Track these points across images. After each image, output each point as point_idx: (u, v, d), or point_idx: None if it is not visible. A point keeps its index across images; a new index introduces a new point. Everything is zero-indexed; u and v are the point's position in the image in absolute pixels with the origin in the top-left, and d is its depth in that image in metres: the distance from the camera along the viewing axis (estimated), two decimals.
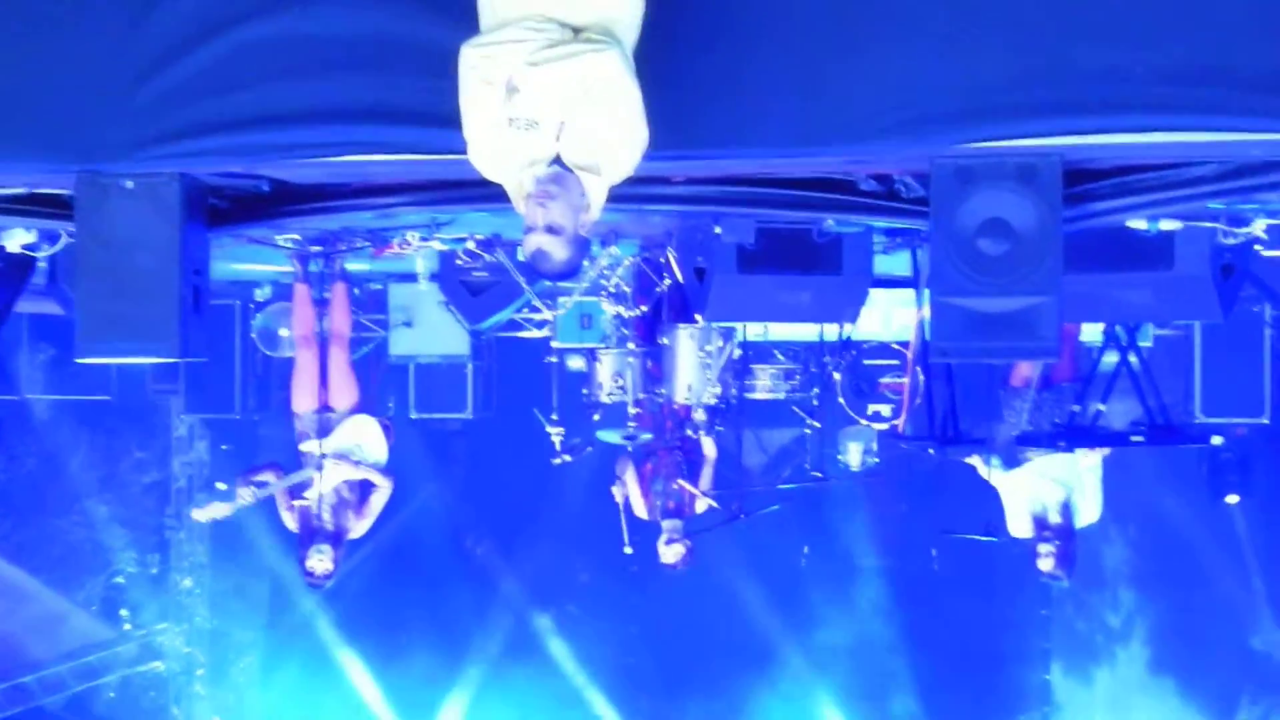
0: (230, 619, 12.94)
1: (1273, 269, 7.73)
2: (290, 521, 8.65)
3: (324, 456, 8.52)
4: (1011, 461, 8.67)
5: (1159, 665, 12.37)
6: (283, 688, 12.87)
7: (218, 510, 8.59)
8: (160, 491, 12.77)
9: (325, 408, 8.74)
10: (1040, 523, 8.57)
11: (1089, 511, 8.71)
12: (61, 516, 12.61)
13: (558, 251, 4.33)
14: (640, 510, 9.33)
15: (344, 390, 8.81)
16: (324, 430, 8.62)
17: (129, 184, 5.00)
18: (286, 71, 4.80)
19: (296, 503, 8.57)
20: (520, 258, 7.77)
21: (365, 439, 8.77)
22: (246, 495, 8.48)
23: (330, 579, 8.61)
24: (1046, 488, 8.58)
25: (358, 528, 8.70)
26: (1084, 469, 8.59)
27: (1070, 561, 8.60)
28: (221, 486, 9.10)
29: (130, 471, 12.77)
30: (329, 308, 8.89)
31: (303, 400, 8.80)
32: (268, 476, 8.58)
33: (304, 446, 8.68)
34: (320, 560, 8.49)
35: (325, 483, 8.54)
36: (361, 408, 8.88)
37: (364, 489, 8.71)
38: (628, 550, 9.22)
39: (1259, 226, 6.08)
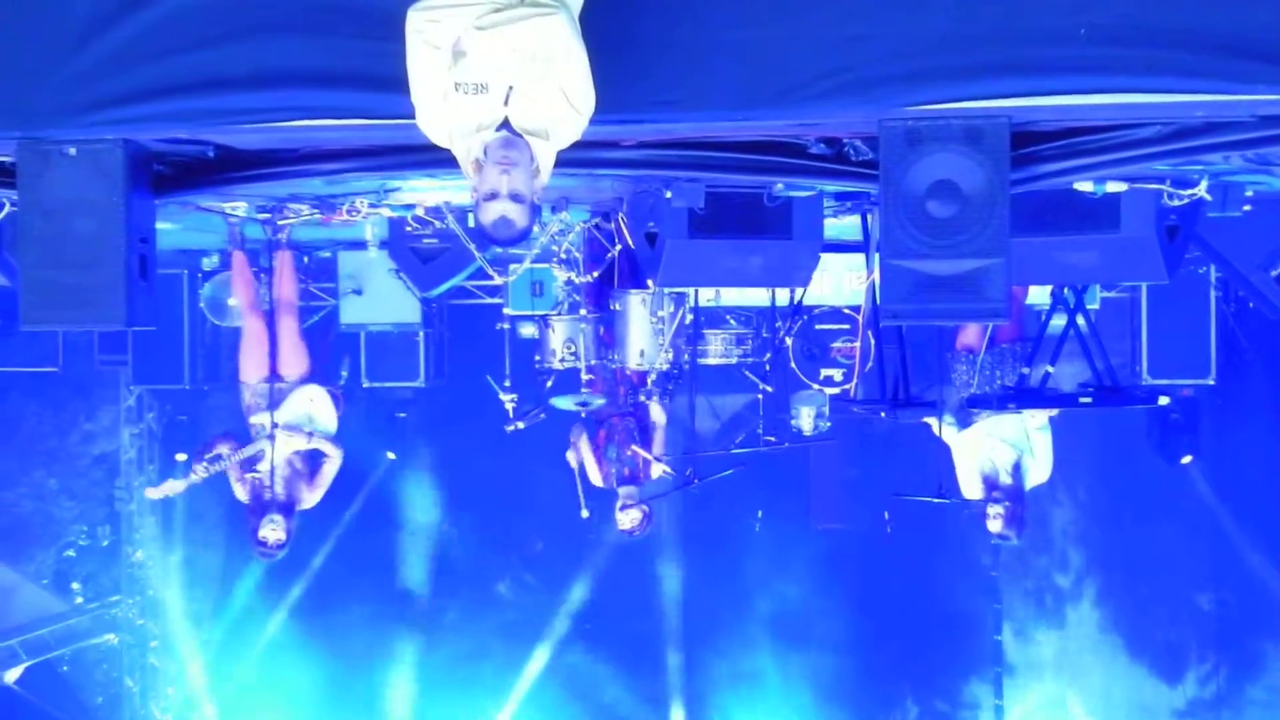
0: (183, 591, 12.87)
1: (1217, 230, 7.79)
2: (241, 493, 8.60)
3: (276, 428, 8.48)
4: (965, 423, 8.74)
5: (1108, 625, 12.52)
6: (236, 660, 12.82)
7: (171, 487, 8.54)
8: (110, 463, 12.67)
9: (274, 376, 8.68)
10: (990, 483, 8.65)
11: (1038, 472, 8.78)
12: (10, 489, 12.51)
13: (521, 219, 4.33)
14: (595, 477, 9.33)
15: (294, 359, 8.76)
16: (274, 400, 8.57)
17: (71, 151, 4.95)
18: (229, 35, 4.75)
19: (249, 475, 8.52)
20: (471, 224, 7.72)
21: (316, 409, 8.73)
22: (199, 470, 8.43)
23: (283, 549, 8.57)
24: (998, 449, 8.65)
25: (309, 498, 8.66)
26: (1033, 429, 8.66)
27: (1020, 522, 8.68)
28: (181, 457, 9.05)
29: (79, 443, 12.67)
30: (274, 276, 8.81)
31: (251, 369, 8.74)
32: (222, 449, 8.51)
33: (255, 419, 8.63)
34: (273, 530, 8.45)
35: (277, 455, 8.49)
36: (312, 377, 8.83)
37: (314, 460, 8.66)
38: (585, 514, 9.22)
39: (1204, 188, 6.14)
